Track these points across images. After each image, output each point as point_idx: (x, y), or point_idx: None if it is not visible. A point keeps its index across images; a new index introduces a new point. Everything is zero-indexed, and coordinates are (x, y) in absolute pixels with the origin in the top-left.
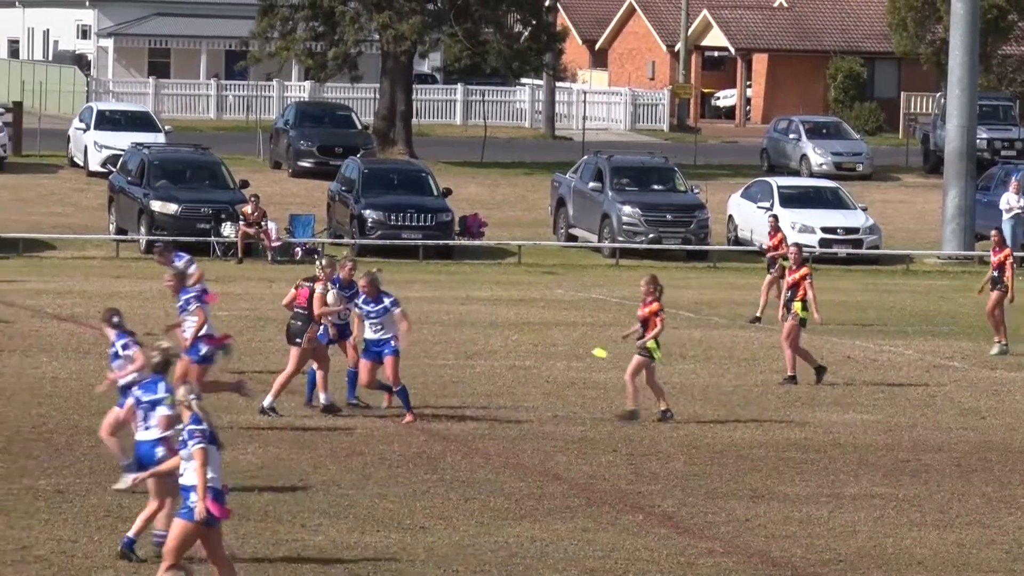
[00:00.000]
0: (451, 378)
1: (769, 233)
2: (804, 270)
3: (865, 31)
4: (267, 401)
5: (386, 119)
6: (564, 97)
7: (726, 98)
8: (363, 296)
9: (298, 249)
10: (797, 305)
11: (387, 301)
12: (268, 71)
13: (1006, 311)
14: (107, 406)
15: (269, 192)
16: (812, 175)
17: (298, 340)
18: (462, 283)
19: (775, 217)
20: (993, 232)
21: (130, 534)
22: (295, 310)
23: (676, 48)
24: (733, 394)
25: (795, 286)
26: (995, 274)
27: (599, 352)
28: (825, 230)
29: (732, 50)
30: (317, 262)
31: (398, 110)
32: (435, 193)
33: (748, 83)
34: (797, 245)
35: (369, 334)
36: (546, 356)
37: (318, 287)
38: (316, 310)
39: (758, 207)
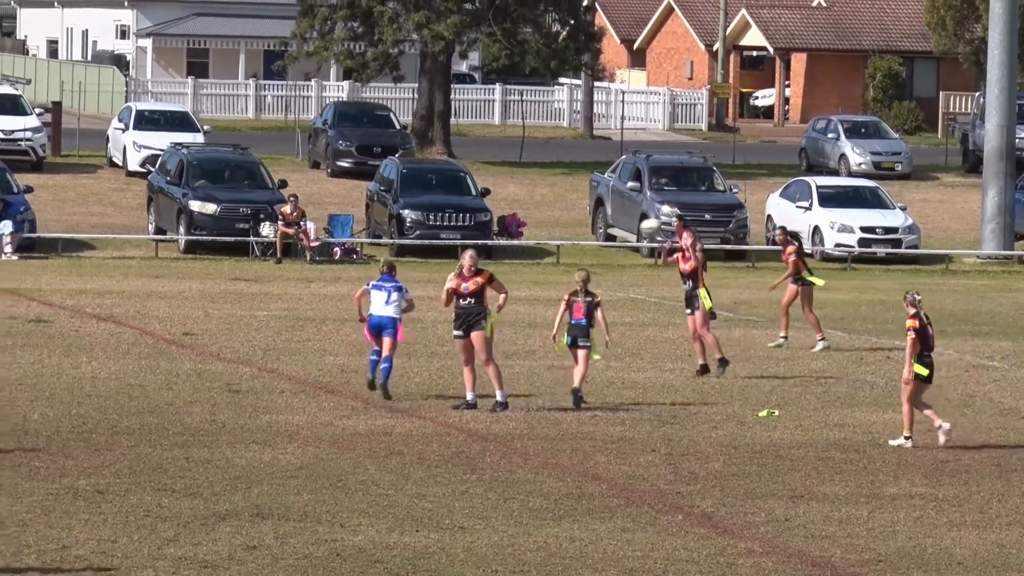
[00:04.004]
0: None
1: (781, 248)
2: (790, 247)
3: (904, 30)
4: (499, 396)
5: (424, 119)
6: (602, 97)
7: (765, 97)
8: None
9: (337, 249)
10: (805, 274)
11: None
12: (306, 71)
13: None
14: (146, 407)
15: (308, 192)
16: (851, 175)
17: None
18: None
19: (783, 229)
20: None
21: None
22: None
23: (715, 47)
24: (772, 394)
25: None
26: None
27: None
28: (864, 229)
29: (771, 49)
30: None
31: (436, 110)
32: (473, 193)
33: (787, 82)
34: (782, 228)
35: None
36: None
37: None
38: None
39: (797, 207)
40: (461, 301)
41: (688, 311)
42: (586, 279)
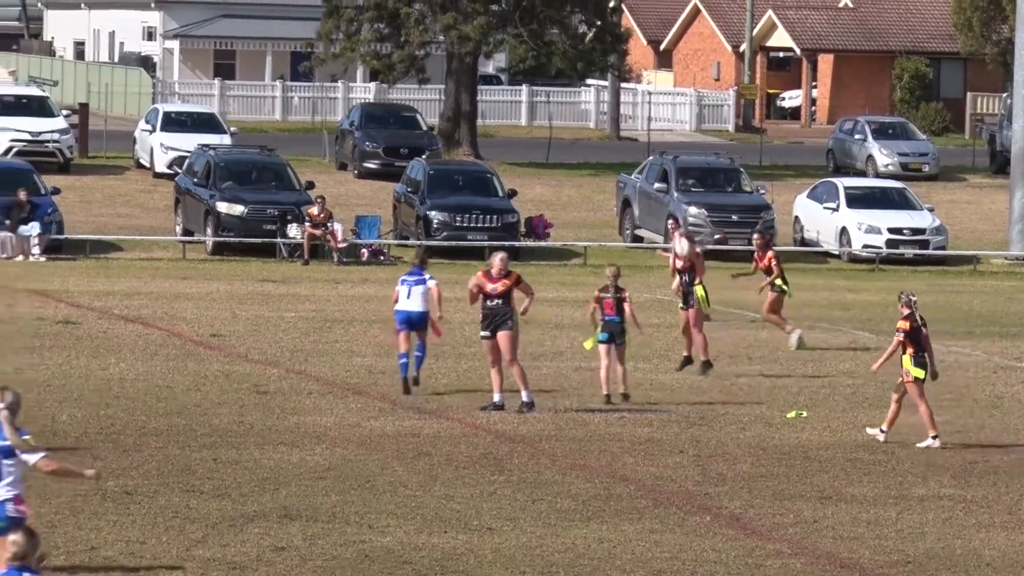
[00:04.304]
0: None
1: (757, 254)
2: (770, 253)
3: (930, 31)
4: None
5: (451, 120)
6: (629, 98)
7: (791, 99)
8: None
9: (364, 250)
10: (779, 281)
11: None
12: (333, 72)
13: None
14: (174, 408)
15: (335, 193)
16: (878, 176)
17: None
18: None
19: (761, 235)
20: None
21: None
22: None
23: (741, 49)
24: (799, 395)
25: (768, 269)
26: None
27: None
28: (892, 231)
29: (797, 51)
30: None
31: (463, 111)
32: (500, 194)
33: (813, 83)
34: (759, 233)
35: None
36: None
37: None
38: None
39: (824, 208)
40: (488, 302)
41: (683, 306)
42: (616, 274)
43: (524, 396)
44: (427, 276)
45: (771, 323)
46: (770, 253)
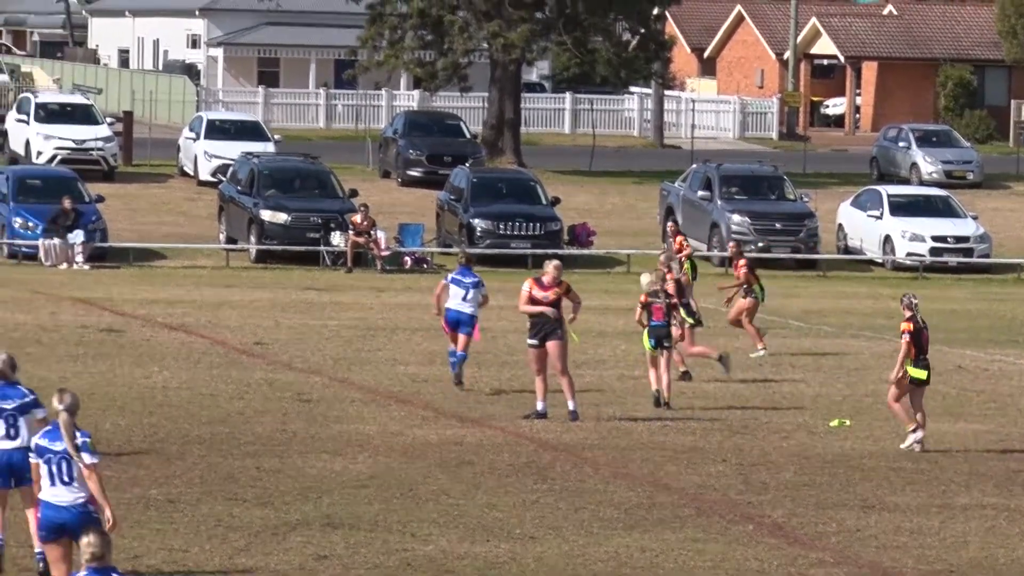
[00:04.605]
0: (560, 388)
1: (734, 263)
2: (742, 261)
3: (975, 39)
4: (570, 404)
5: (495, 128)
6: (673, 106)
7: (835, 106)
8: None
9: (407, 258)
10: (757, 288)
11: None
12: (377, 80)
13: None
14: (217, 416)
15: (378, 201)
16: (922, 183)
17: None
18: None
19: (736, 243)
20: None
21: None
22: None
23: (785, 56)
24: (842, 404)
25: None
26: None
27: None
28: (935, 239)
29: (841, 58)
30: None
31: (507, 119)
32: (544, 202)
33: (857, 91)
34: (735, 242)
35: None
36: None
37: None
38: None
39: (868, 216)
40: (546, 307)
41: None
42: (664, 277)
43: (570, 405)
44: (479, 279)
45: (745, 329)
46: (742, 262)
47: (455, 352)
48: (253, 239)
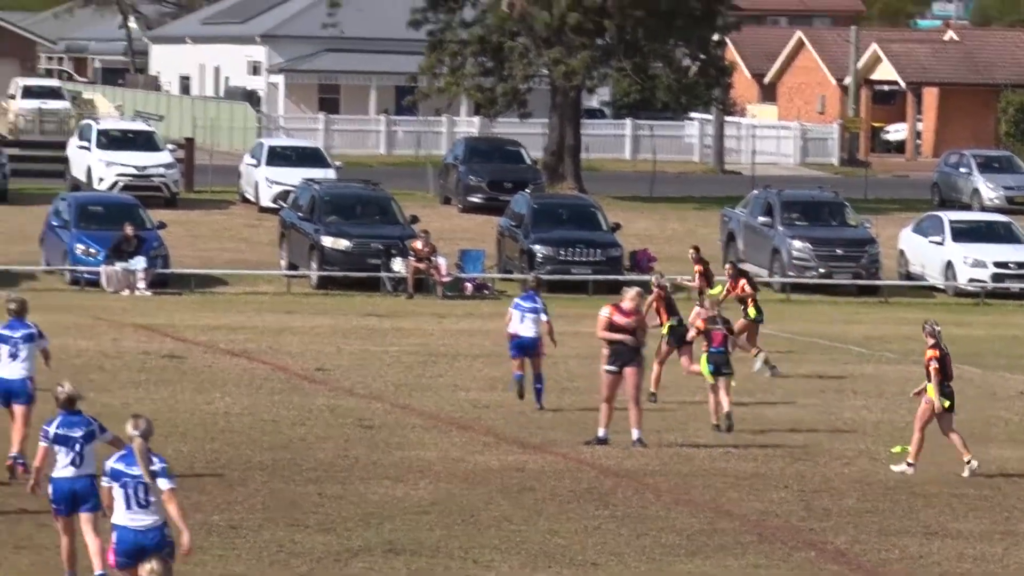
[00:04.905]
0: (621, 415)
1: (729, 283)
2: (742, 280)
3: None
4: (634, 434)
5: (555, 154)
6: (733, 131)
7: (896, 132)
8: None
9: (468, 284)
10: (751, 310)
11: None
12: (437, 106)
13: None
14: (279, 442)
15: (439, 227)
16: (984, 209)
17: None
18: None
19: (732, 264)
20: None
21: None
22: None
23: (846, 82)
24: (904, 430)
25: (743, 298)
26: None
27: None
28: (997, 265)
29: (902, 84)
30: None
31: (567, 145)
32: (604, 228)
33: (918, 117)
34: (731, 263)
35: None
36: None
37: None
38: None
39: (929, 242)
40: (621, 336)
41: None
42: (716, 303)
43: (635, 434)
44: (541, 305)
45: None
46: (742, 281)
47: (520, 373)
48: (314, 265)
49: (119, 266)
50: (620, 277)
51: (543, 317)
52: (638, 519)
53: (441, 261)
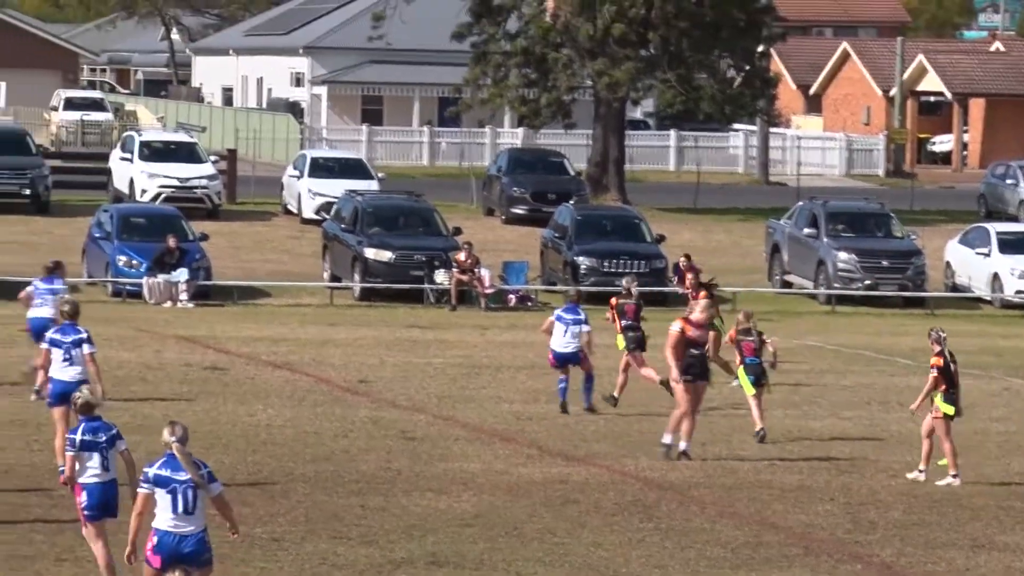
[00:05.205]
0: (666, 427)
1: (692, 294)
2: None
3: None
4: (682, 445)
5: (599, 165)
6: (778, 142)
7: (942, 143)
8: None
9: (511, 296)
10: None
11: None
12: (480, 118)
13: None
14: (322, 454)
15: (482, 239)
16: None
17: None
18: None
19: (687, 256)
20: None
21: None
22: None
23: (891, 93)
24: None
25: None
26: None
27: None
28: None
29: (948, 95)
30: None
31: (611, 156)
32: (648, 239)
33: (965, 128)
34: (686, 255)
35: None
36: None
37: (673, 324)
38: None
39: (976, 253)
40: (693, 349)
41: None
42: (749, 315)
43: (683, 446)
44: (583, 317)
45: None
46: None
47: (565, 380)
48: (357, 277)
49: (161, 278)
50: (664, 289)
51: (585, 328)
52: (682, 532)
53: (484, 273)
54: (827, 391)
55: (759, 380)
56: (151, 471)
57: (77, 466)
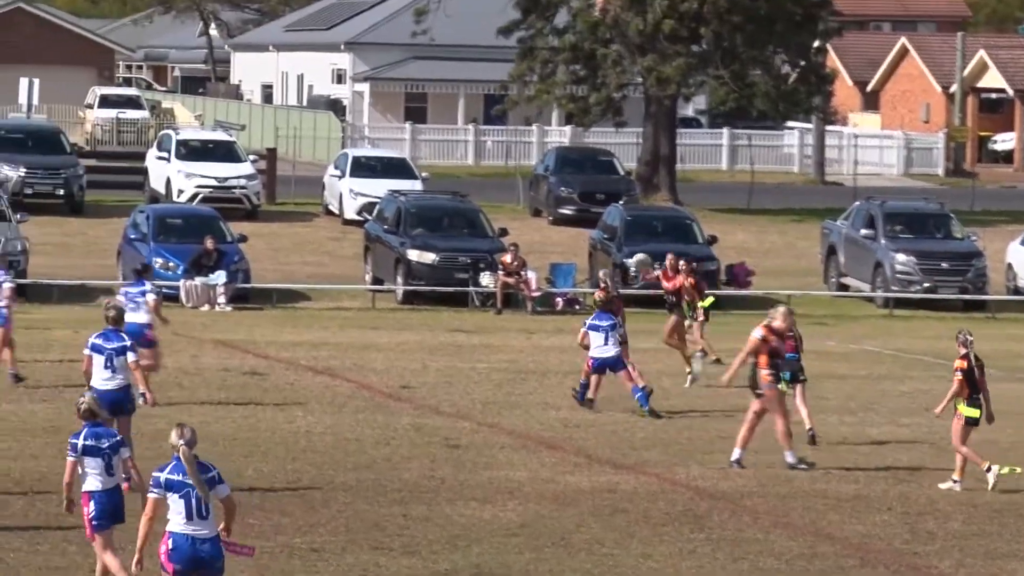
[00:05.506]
0: (718, 433)
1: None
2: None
3: None
4: (789, 459)
5: (649, 164)
6: (834, 141)
7: (1004, 142)
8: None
9: (559, 299)
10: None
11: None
12: (527, 115)
13: None
14: (363, 462)
15: (529, 240)
16: None
17: (758, 391)
18: (731, 334)
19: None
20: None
21: None
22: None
23: (951, 90)
24: (1010, 451)
25: (677, 291)
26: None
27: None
28: None
29: (1010, 91)
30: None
31: (662, 155)
32: (700, 241)
33: None
34: (674, 255)
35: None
36: (817, 410)
37: (754, 331)
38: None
39: None
40: (778, 360)
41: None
42: (790, 310)
43: (792, 458)
44: (618, 320)
45: (671, 346)
46: (691, 279)
47: (585, 385)
48: (400, 279)
49: (199, 281)
50: (716, 292)
51: (621, 331)
52: (735, 542)
53: (531, 275)
54: (885, 397)
55: (796, 376)
56: (162, 475)
57: (79, 471)
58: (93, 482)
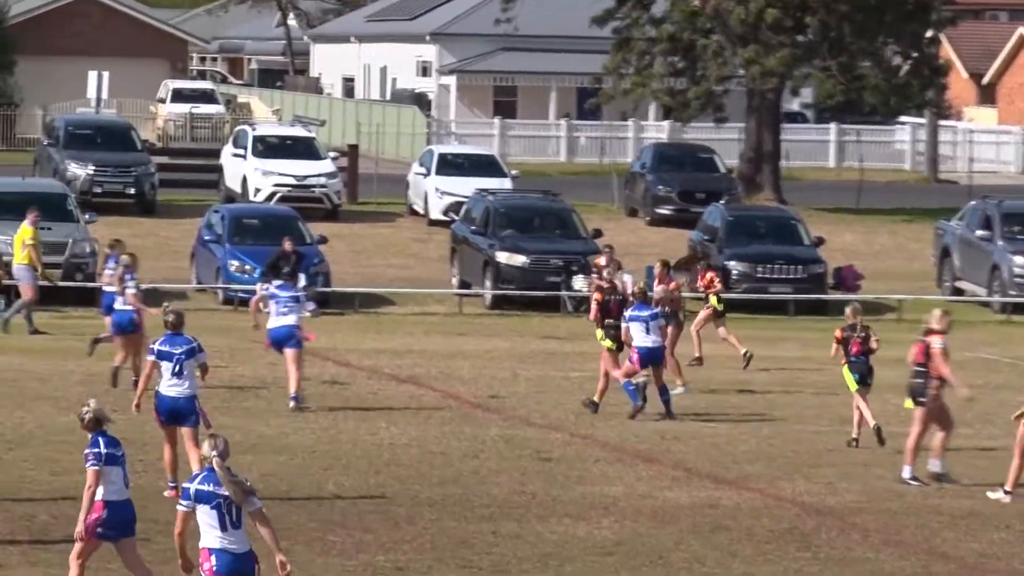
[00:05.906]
0: (825, 446)
1: (699, 274)
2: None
3: None
4: (906, 472)
5: (752, 162)
6: (948, 136)
7: None
8: None
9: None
10: (712, 298)
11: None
12: (623, 110)
13: None
14: (450, 476)
15: (624, 242)
16: None
17: (921, 399)
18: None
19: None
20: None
21: None
22: (914, 367)
23: None
24: None
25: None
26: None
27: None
28: None
29: None
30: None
31: (765, 152)
32: (806, 242)
33: None
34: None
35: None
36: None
37: (934, 341)
38: (939, 367)
39: None
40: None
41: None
42: (857, 309)
43: (937, 466)
44: (658, 310)
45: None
46: (709, 274)
47: (631, 385)
48: (488, 283)
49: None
50: (823, 296)
51: (661, 321)
52: (843, 562)
53: (627, 279)
54: (1003, 408)
55: (864, 379)
56: (192, 487)
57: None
58: (112, 492)
